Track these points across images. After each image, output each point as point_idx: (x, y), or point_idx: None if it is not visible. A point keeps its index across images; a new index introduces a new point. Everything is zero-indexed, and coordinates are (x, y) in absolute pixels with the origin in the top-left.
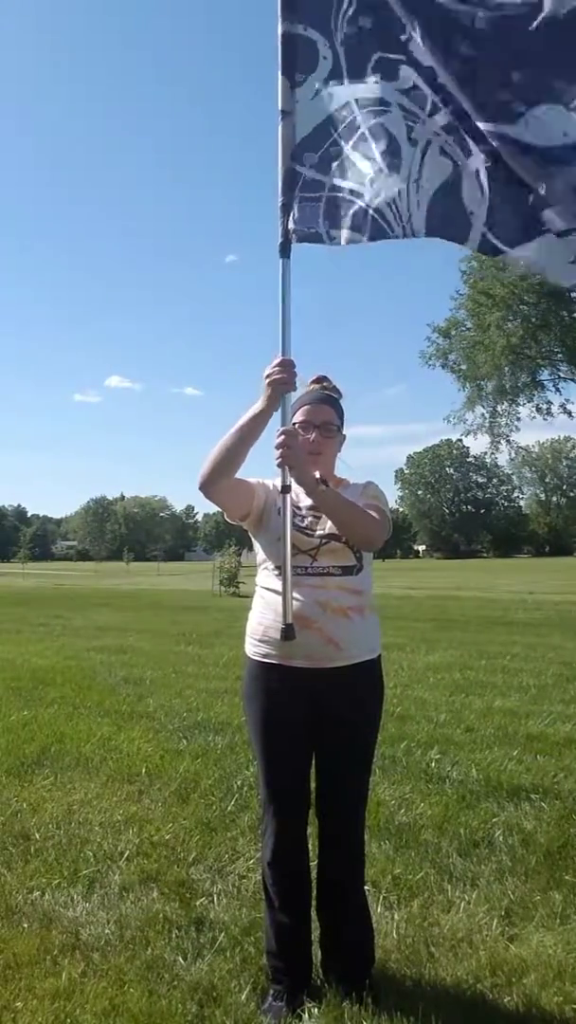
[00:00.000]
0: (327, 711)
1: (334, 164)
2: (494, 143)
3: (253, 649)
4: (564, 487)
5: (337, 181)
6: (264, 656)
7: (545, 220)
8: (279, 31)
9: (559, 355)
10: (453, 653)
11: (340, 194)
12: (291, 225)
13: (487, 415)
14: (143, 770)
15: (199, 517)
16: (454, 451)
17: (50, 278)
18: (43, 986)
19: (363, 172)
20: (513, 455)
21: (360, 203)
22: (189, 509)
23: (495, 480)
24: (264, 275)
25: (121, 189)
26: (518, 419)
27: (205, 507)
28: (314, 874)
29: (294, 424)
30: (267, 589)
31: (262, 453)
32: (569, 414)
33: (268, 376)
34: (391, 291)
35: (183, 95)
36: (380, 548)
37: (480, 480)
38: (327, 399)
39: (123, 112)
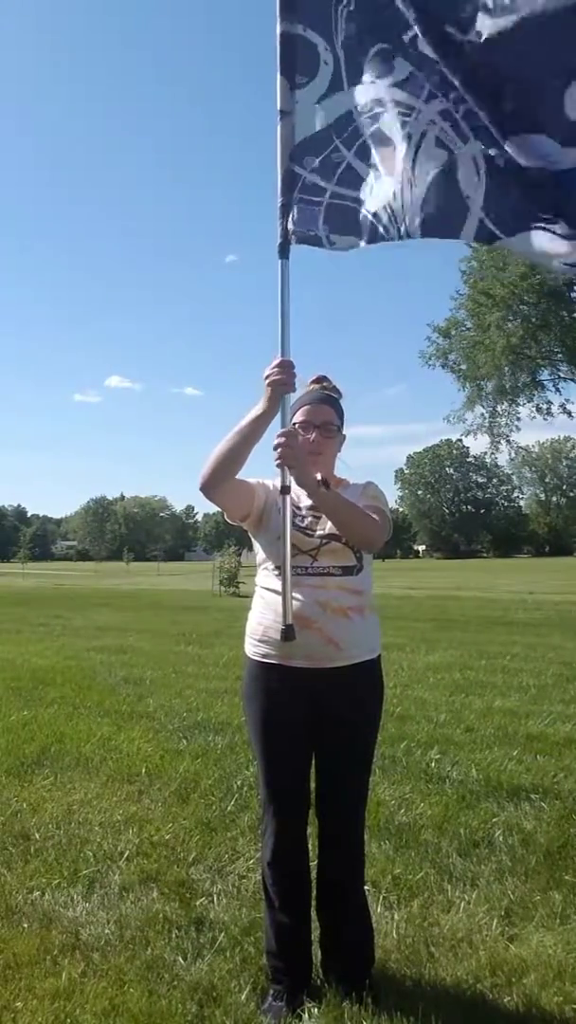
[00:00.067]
0: (327, 711)
1: (337, 172)
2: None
3: (253, 649)
4: (564, 487)
5: (341, 189)
6: (264, 656)
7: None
8: (277, 31)
9: (559, 355)
10: (453, 653)
11: (345, 202)
12: (290, 226)
13: (487, 415)
14: (143, 770)
15: (199, 517)
16: (454, 451)
17: (50, 278)
18: (43, 986)
19: (362, 178)
20: (513, 455)
21: (363, 210)
22: (189, 509)
23: (495, 480)
24: (264, 275)
25: (121, 189)
26: (518, 419)
27: (205, 507)
28: (314, 874)
29: (294, 424)
30: (267, 589)
31: (262, 453)
32: (569, 414)
33: (267, 377)
34: (391, 291)
35: (183, 95)
36: (380, 549)
37: (480, 480)
38: (327, 399)
39: (123, 112)
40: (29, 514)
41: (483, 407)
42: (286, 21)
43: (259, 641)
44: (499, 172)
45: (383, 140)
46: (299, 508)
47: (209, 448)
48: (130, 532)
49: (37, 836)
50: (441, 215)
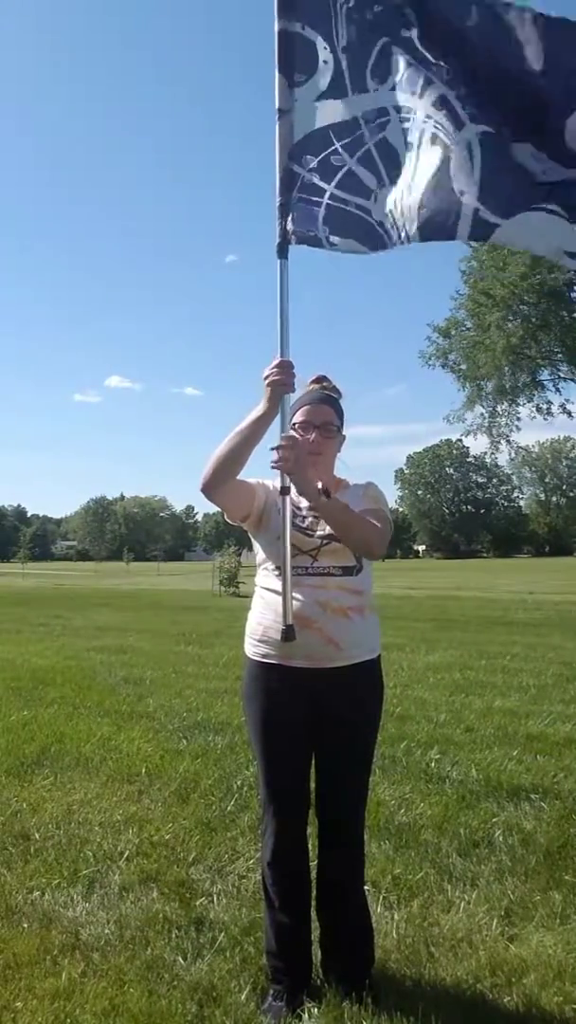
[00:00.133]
0: (327, 711)
1: (338, 175)
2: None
3: (253, 649)
4: (564, 487)
5: (341, 193)
6: (264, 656)
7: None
8: (276, 28)
9: (559, 355)
10: (453, 653)
11: (346, 207)
12: (289, 226)
13: (487, 415)
14: (143, 770)
15: (199, 517)
16: (454, 451)
17: (50, 278)
18: (43, 986)
19: (370, 189)
20: (513, 455)
21: (367, 218)
22: (189, 509)
23: (495, 480)
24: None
25: (121, 189)
26: (518, 419)
27: (205, 507)
28: (314, 874)
29: (294, 424)
30: (267, 589)
31: (263, 454)
32: (569, 414)
33: (266, 377)
34: (391, 291)
35: (183, 95)
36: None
37: (480, 480)
38: (327, 399)
39: (123, 112)
40: (29, 514)
41: (483, 407)
42: (284, 19)
43: (259, 641)
44: (500, 145)
45: (389, 151)
46: (299, 509)
47: (209, 448)
48: (130, 532)
49: (37, 836)
50: (437, 217)
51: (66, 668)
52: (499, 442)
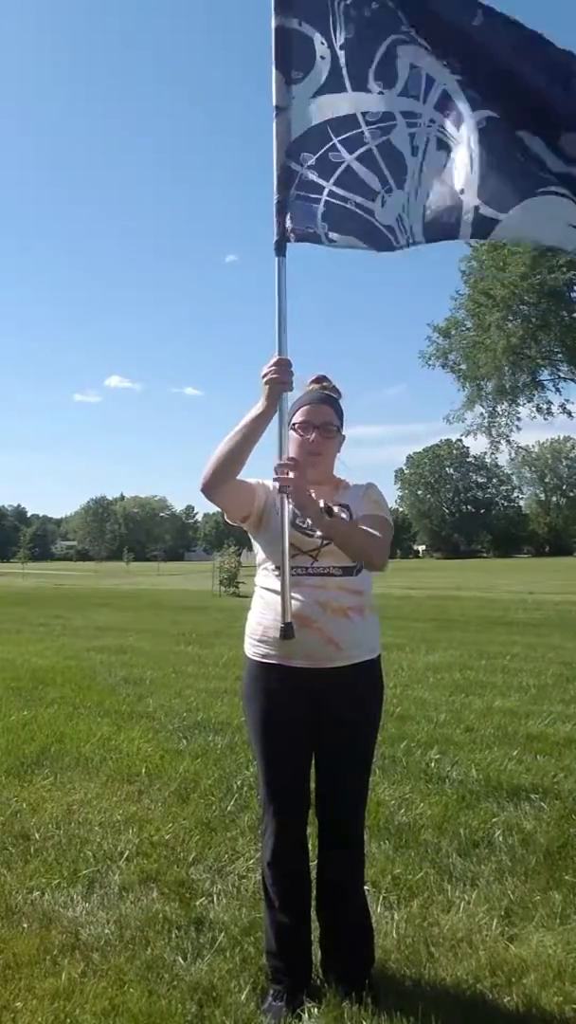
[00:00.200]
0: (327, 711)
1: (336, 172)
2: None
3: (253, 649)
4: (564, 487)
5: (339, 190)
6: (264, 656)
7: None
8: (272, 25)
9: (559, 355)
10: (453, 653)
11: (346, 204)
12: (288, 224)
13: (487, 415)
14: (143, 770)
15: (199, 517)
16: (454, 451)
17: (50, 278)
18: (43, 986)
19: (372, 189)
20: (513, 455)
21: (371, 219)
22: (189, 509)
23: (495, 480)
24: (264, 275)
25: (121, 189)
26: (518, 419)
27: (205, 507)
28: (314, 874)
29: (294, 424)
30: (266, 589)
31: (263, 453)
32: (569, 414)
33: (264, 376)
34: (391, 291)
35: (183, 95)
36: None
37: (480, 480)
38: (327, 399)
39: (123, 112)
40: (29, 514)
41: (483, 407)
42: (281, 15)
43: (259, 641)
44: (505, 131)
45: (393, 154)
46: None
47: (209, 448)
48: (130, 532)
49: (37, 836)
50: (441, 218)
51: (66, 668)
52: (499, 442)
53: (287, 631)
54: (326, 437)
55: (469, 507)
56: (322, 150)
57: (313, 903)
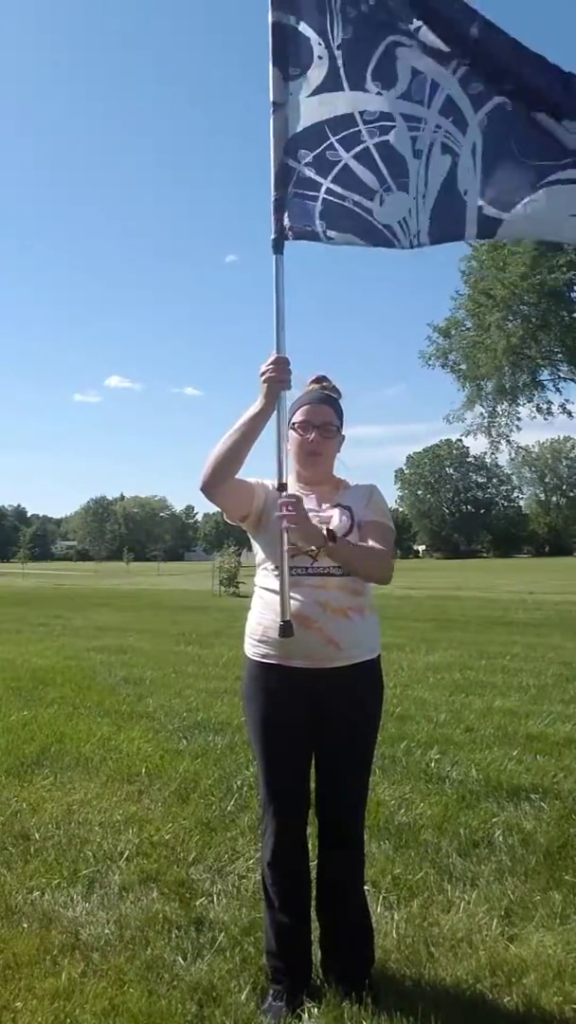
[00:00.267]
0: (327, 711)
1: (334, 170)
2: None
3: (252, 649)
4: (564, 487)
5: (337, 188)
6: (263, 656)
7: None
8: (269, 20)
9: (559, 355)
10: (453, 653)
11: (343, 203)
12: (286, 222)
13: (487, 415)
14: (143, 770)
15: (199, 517)
16: (454, 451)
17: (50, 278)
18: (43, 986)
19: (370, 188)
20: (513, 455)
21: (369, 218)
22: (189, 509)
23: (495, 480)
24: (264, 275)
25: (121, 189)
26: (518, 419)
27: (205, 507)
28: (314, 874)
29: (294, 424)
30: (266, 589)
31: (262, 453)
32: (569, 414)
33: (263, 374)
34: (391, 291)
35: (183, 95)
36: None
37: (480, 480)
38: (327, 399)
39: (123, 112)
40: (29, 514)
41: (483, 407)
42: (278, 11)
43: (259, 641)
44: (500, 145)
45: (392, 155)
46: None
47: (209, 448)
48: (130, 532)
49: (37, 836)
50: (446, 220)
51: (66, 668)
52: (499, 442)
53: (286, 629)
54: (326, 437)
55: (469, 507)
56: (319, 148)
57: (313, 903)
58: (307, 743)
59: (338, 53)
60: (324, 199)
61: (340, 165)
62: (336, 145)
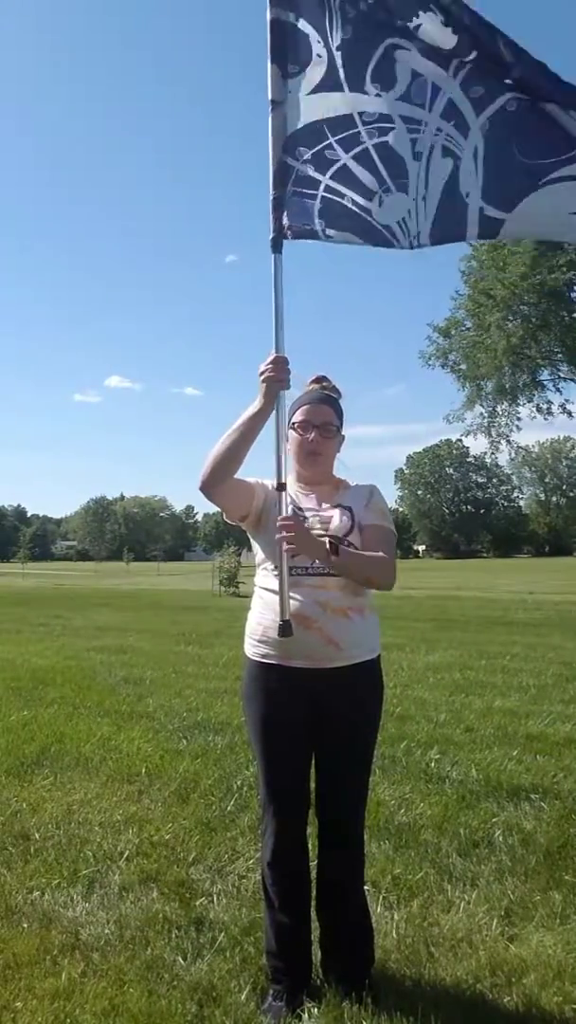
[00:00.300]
0: (327, 711)
1: (332, 168)
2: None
3: (252, 649)
4: (564, 487)
5: (336, 185)
6: (263, 656)
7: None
8: (268, 18)
9: (559, 355)
10: (453, 653)
11: (342, 201)
12: (285, 221)
13: (487, 415)
14: (143, 770)
15: (199, 517)
16: (454, 451)
17: (50, 278)
18: (43, 986)
19: (369, 189)
20: (513, 455)
21: (368, 218)
22: (189, 509)
23: (495, 480)
24: (264, 275)
25: (121, 189)
26: (518, 419)
27: (205, 507)
28: (314, 874)
29: (294, 424)
30: (266, 589)
31: (262, 452)
32: (569, 414)
33: (262, 374)
34: (391, 291)
35: (183, 95)
36: None
37: (480, 480)
38: (326, 399)
39: (123, 112)
40: (29, 514)
41: (483, 407)
42: (277, 7)
43: (259, 641)
44: (501, 147)
45: (392, 156)
46: (300, 508)
47: (209, 448)
48: (130, 532)
49: (37, 836)
50: (448, 221)
51: (66, 668)
52: (499, 442)
53: (285, 629)
54: (325, 437)
55: (469, 507)
56: (318, 146)
57: (313, 903)
58: (307, 743)
59: (337, 54)
60: (323, 196)
61: (339, 164)
62: (335, 145)
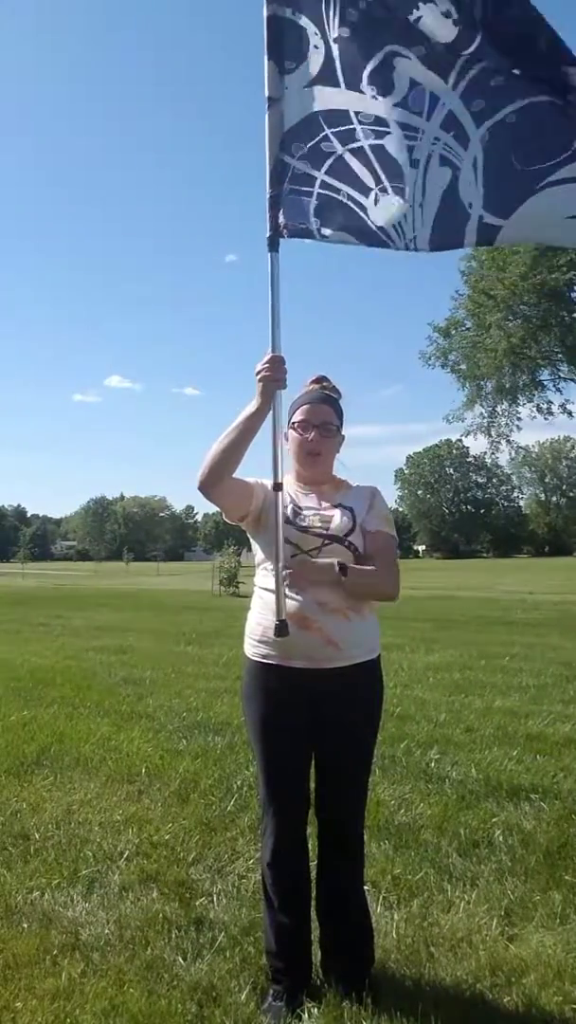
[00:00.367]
0: (327, 711)
1: (327, 161)
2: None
3: (252, 650)
4: (564, 487)
5: (331, 180)
6: (263, 657)
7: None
8: (264, 14)
9: (559, 355)
10: (453, 653)
11: (337, 195)
12: (281, 219)
13: (487, 415)
14: (143, 770)
15: (199, 517)
16: (454, 451)
17: (50, 278)
18: (43, 986)
19: (365, 184)
20: (513, 455)
21: (362, 214)
22: (189, 509)
23: (495, 480)
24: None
25: (121, 189)
26: (518, 419)
27: (205, 507)
28: (314, 874)
29: (293, 424)
30: (266, 589)
31: (261, 451)
32: (569, 414)
33: (258, 373)
34: (390, 291)
35: (183, 94)
36: None
37: (480, 480)
38: (326, 399)
39: (123, 112)
40: (29, 514)
41: (483, 407)
42: (274, 3)
43: (258, 642)
44: (500, 157)
45: (388, 159)
46: (300, 508)
47: (208, 448)
48: (130, 532)
49: (37, 836)
50: (447, 229)
51: (66, 668)
52: (499, 442)
53: (281, 629)
54: (325, 436)
55: (469, 507)
56: (314, 140)
57: (313, 903)
58: (307, 743)
59: (334, 46)
60: (319, 193)
61: (335, 156)
62: (331, 137)
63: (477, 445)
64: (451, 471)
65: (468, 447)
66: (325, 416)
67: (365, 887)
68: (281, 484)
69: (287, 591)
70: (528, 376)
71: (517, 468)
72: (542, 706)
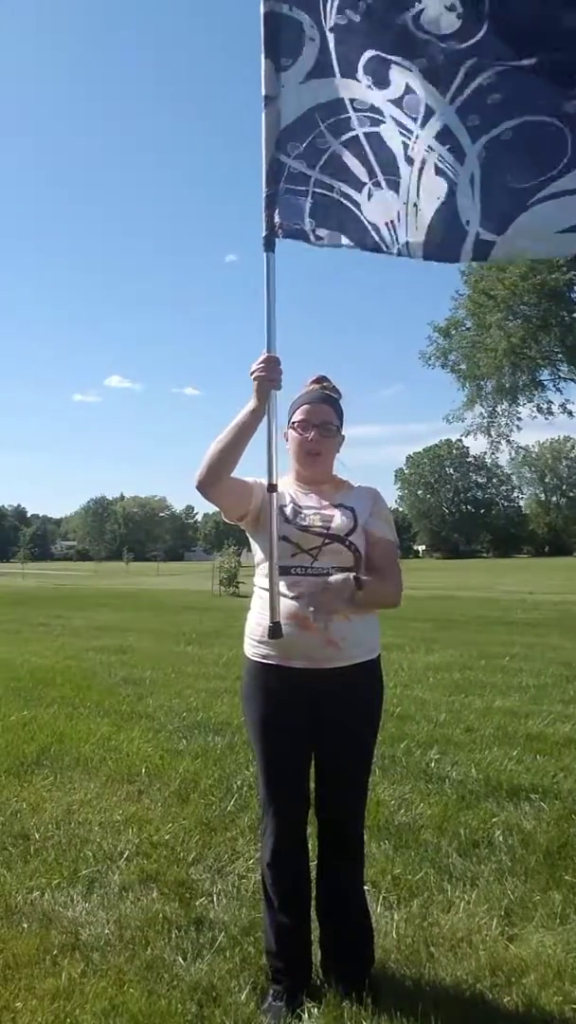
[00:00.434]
0: (327, 711)
1: (322, 158)
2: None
3: (252, 650)
4: (564, 487)
5: (325, 178)
6: (263, 657)
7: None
8: (261, 11)
9: (559, 355)
10: (453, 653)
11: (331, 194)
12: (277, 219)
13: (487, 415)
14: (143, 770)
15: (199, 517)
16: (454, 451)
17: (50, 278)
18: (43, 986)
19: (359, 179)
20: (513, 455)
21: (358, 213)
22: (189, 509)
23: (495, 480)
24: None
25: (121, 188)
26: (518, 419)
27: (205, 507)
28: (314, 874)
29: (293, 423)
30: (265, 589)
31: (259, 451)
32: (569, 414)
33: (253, 373)
34: (390, 291)
35: (184, 94)
36: None
37: (480, 480)
38: (326, 399)
39: (123, 111)
40: (29, 514)
41: (483, 407)
42: (271, 0)
43: (258, 642)
44: (496, 172)
45: (384, 150)
46: (300, 507)
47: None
48: (130, 532)
49: (37, 836)
50: (443, 243)
51: (66, 668)
52: (499, 442)
53: (275, 630)
54: (325, 436)
55: (469, 507)
56: (309, 137)
57: (313, 903)
58: (307, 743)
59: (330, 35)
60: (314, 192)
61: (329, 152)
62: (325, 132)
63: (477, 445)
64: (451, 471)
65: (468, 447)
66: (325, 416)
67: (365, 887)
68: (275, 485)
69: (287, 591)
70: (528, 376)
71: (517, 468)
72: (542, 706)
